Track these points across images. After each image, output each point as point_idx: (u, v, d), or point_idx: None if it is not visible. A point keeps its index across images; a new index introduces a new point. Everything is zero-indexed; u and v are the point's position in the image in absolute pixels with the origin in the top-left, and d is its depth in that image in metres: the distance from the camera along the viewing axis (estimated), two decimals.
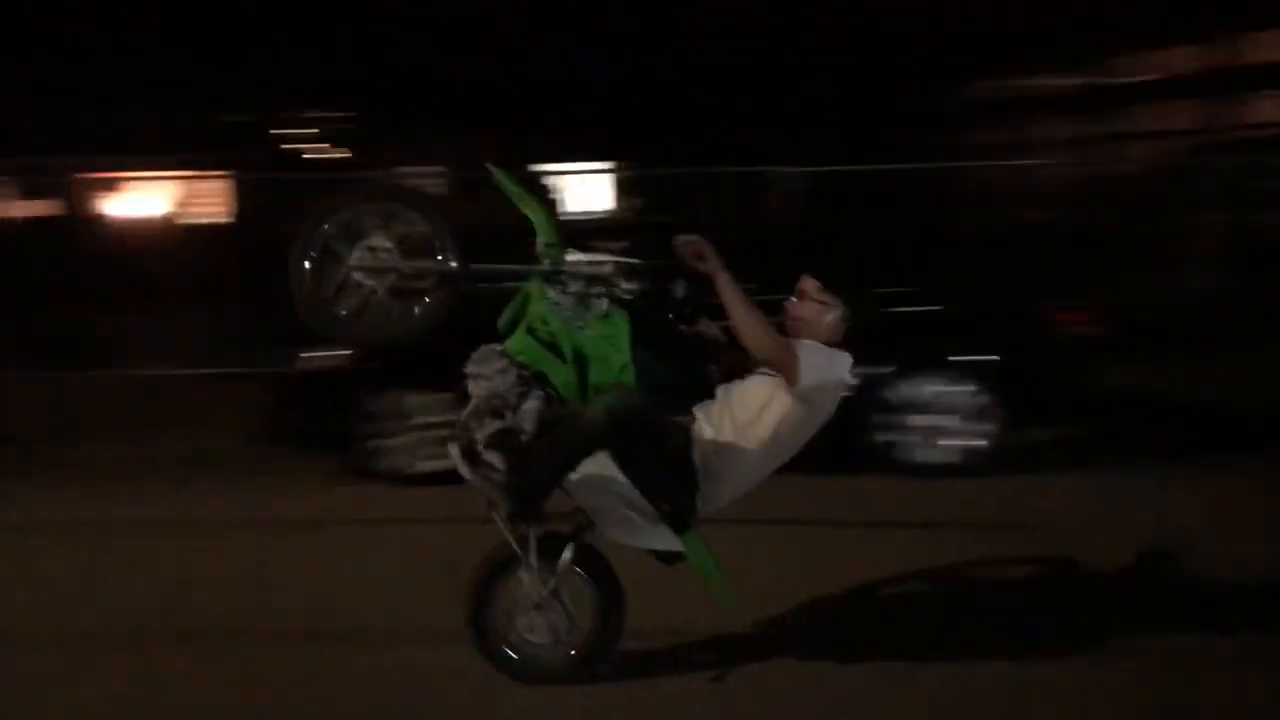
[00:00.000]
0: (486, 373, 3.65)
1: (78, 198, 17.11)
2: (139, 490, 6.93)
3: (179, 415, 8.98)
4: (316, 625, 4.58)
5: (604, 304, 3.69)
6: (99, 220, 18.08)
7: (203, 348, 10.97)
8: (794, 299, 3.81)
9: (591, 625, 3.89)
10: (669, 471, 3.62)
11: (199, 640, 4.42)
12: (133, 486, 7.03)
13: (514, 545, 3.78)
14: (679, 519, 3.65)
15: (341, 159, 31.82)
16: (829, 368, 3.62)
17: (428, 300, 3.73)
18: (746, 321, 3.52)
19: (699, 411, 3.72)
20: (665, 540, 3.68)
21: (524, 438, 3.56)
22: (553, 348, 3.65)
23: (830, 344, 3.73)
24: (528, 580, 3.79)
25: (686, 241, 3.59)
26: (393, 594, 4.98)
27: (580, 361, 3.65)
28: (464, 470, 3.66)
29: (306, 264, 3.78)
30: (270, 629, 4.53)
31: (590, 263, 3.69)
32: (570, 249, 3.75)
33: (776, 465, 3.74)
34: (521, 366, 3.62)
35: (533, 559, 3.76)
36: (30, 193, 16.44)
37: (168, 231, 18.66)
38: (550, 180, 18.54)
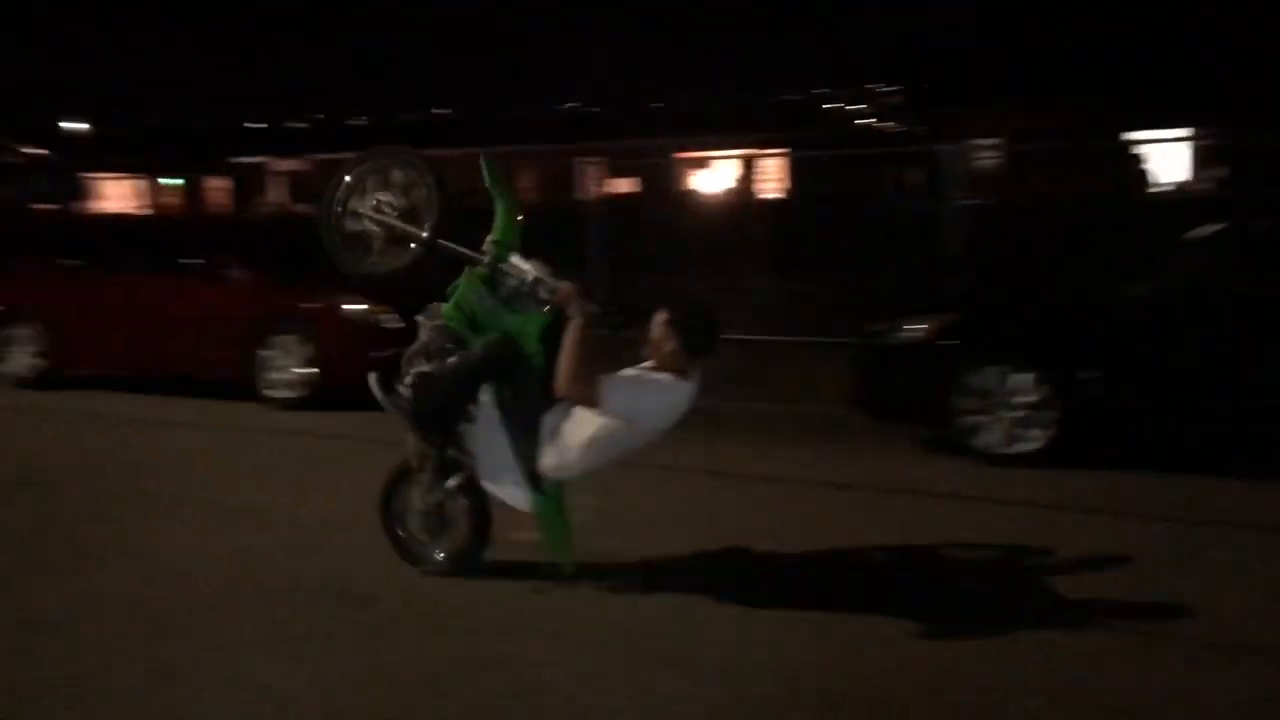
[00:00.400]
0: (429, 325, 4.43)
1: (665, 175, 18.76)
2: (717, 443, 7.43)
3: (757, 378, 9.51)
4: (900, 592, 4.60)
5: (529, 302, 4.35)
6: (682, 195, 19.64)
7: (777, 315, 11.54)
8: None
9: (462, 538, 4.59)
10: (524, 421, 4.28)
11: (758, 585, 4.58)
12: (712, 440, 7.53)
13: (413, 461, 4.55)
14: (534, 478, 4.29)
15: (895, 132, 31.96)
16: (636, 401, 4.20)
17: (407, 254, 4.53)
18: (562, 364, 4.15)
19: (555, 413, 4.30)
20: (521, 500, 4.36)
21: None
22: (475, 322, 4.36)
23: (671, 370, 4.26)
24: (418, 490, 4.57)
25: (556, 288, 4.26)
26: (978, 568, 4.88)
27: None
28: (379, 396, 4.46)
29: (335, 199, 4.69)
30: (860, 591, 4.63)
31: (519, 269, 4.34)
32: (515, 252, 4.40)
33: (605, 460, 4.31)
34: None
35: (425, 475, 4.55)
36: (615, 172, 18.37)
37: (741, 205, 19.82)
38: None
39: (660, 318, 4.29)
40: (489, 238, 4.46)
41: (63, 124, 34.17)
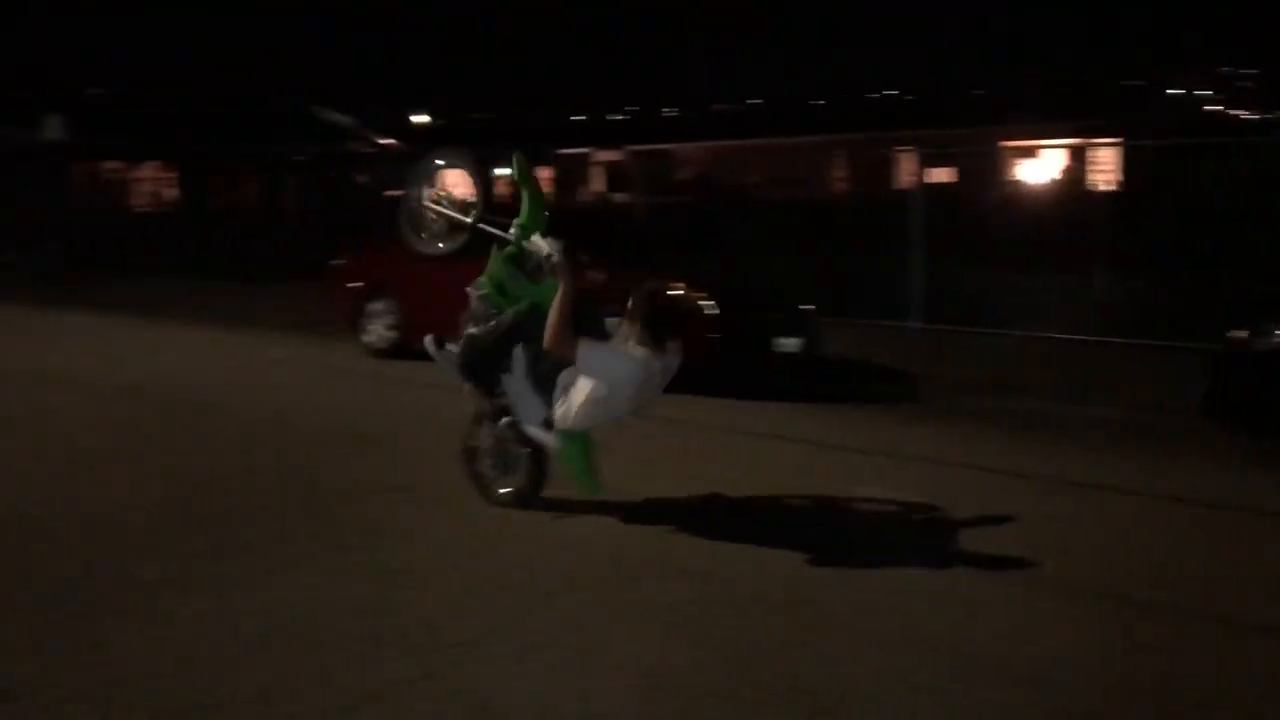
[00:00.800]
0: (476, 295, 5.34)
1: (986, 165, 17.98)
2: (1049, 447, 7.06)
3: (1090, 381, 9.00)
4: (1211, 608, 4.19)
5: (547, 274, 5.09)
6: (1004, 186, 18.81)
7: (1111, 316, 10.86)
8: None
9: (522, 476, 5.34)
10: (543, 375, 5.06)
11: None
12: (1045, 443, 7.17)
13: (478, 409, 5.42)
14: (550, 424, 5.05)
15: (1248, 120, 29.18)
16: (607, 365, 4.87)
17: (458, 236, 5.60)
18: (548, 322, 4.88)
19: (565, 370, 4.99)
20: (550, 441, 5.11)
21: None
22: (504, 292, 5.24)
23: (645, 346, 4.88)
24: (482, 434, 5.42)
25: (550, 258, 5.03)
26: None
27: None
28: (431, 352, 5.46)
29: (415, 190, 5.81)
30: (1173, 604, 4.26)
31: (538, 247, 5.12)
32: (537, 234, 5.17)
33: (601, 419, 4.99)
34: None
35: (485, 421, 5.42)
36: (930, 161, 17.74)
37: (1069, 197, 18.73)
38: None
39: (629, 305, 4.98)
40: (515, 221, 5.32)
41: (412, 117, 37.15)
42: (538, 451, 5.32)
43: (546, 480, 5.41)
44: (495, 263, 5.35)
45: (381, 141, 34.26)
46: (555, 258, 5.01)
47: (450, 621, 4.03)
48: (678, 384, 8.56)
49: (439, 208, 5.70)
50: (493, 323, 5.23)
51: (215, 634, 3.91)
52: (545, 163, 36.52)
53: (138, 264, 20.58)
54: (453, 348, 5.41)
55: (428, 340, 5.53)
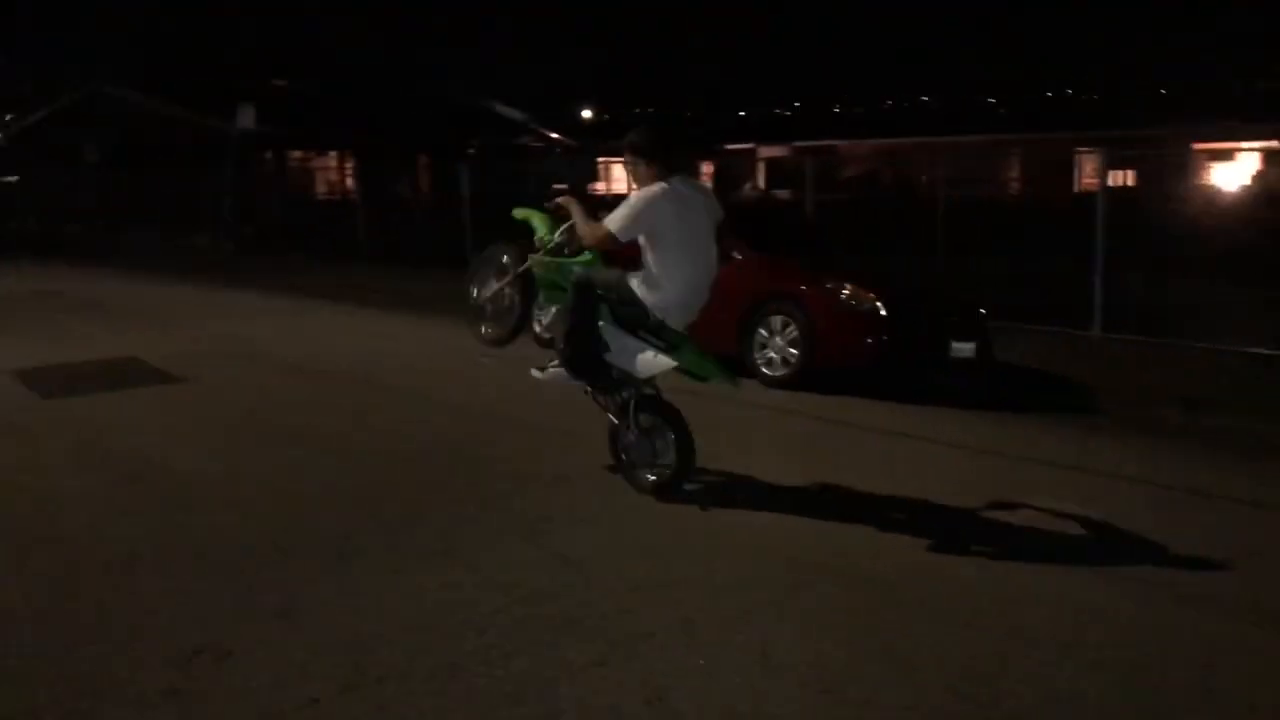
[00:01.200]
0: (546, 322, 6.08)
1: (1173, 168, 17.14)
2: (1244, 466, 6.66)
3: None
4: None
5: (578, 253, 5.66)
6: (1191, 190, 17.89)
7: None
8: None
9: (668, 464, 5.47)
10: (630, 308, 5.31)
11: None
12: (1237, 461, 6.79)
13: (603, 408, 5.75)
14: (660, 338, 5.31)
15: None
16: (632, 213, 5.15)
17: (509, 324, 6.06)
18: (576, 228, 5.43)
19: (630, 278, 5.32)
20: (664, 362, 5.28)
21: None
22: (560, 286, 5.67)
23: (655, 178, 5.23)
24: (625, 425, 5.60)
25: (556, 201, 5.70)
26: None
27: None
28: (540, 377, 5.84)
29: (471, 283, 6.37)
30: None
31: (561, 235, 5.68)
32: (554, 233, 5.75)
33: (685, 289, 5.27)
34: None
35: (614, 414, 5.67)
36: (1114, 163, 16.94)
37: (1265, 201, 17.65)
38: None
39: (630, 146, 5.31)
40: (536, 238, 5.90)
41: (583, 112, 37.66)
42: (682, 439, 5.44)
43: (692, 469, 5.51)
44: (540, 271, 5.82)
45: (551, 135, 34.89)
46: (562, 199, 5.62)
47: (622, 612, 4.09)
48: (846, 385, 8.55)
49: (490, 290, 6.20)
50: (566, 301, 5.51)
51: (398, 610, 4.09)
52: (709, 157, 36.50)
53: (321, 249, 21.53)
54: (554, 364, 5.72)
55: (532, 371, 5.94)
